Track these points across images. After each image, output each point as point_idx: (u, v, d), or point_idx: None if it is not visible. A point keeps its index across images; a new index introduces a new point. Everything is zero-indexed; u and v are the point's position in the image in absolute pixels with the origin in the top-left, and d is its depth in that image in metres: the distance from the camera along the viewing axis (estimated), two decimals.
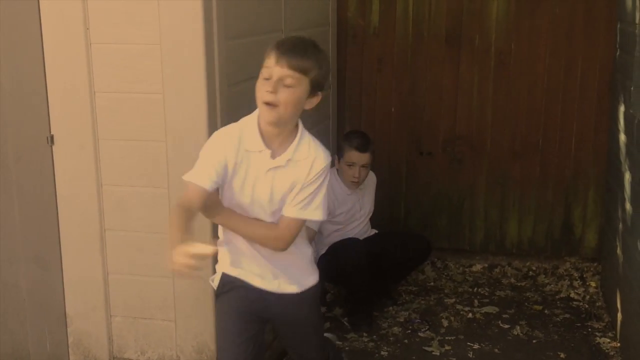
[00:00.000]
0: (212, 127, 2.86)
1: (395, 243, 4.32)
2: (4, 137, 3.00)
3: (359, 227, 4.30)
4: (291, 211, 2.45)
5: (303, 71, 2.38)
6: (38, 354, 3.18)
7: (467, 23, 4.68)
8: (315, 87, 2.44)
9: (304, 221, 2.50)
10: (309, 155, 2.49)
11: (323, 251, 4.20)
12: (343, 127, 4.81)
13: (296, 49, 2.39)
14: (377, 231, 4.45)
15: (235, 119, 3.02)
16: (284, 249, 2.49)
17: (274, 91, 2.36)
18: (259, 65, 3.25)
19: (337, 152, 4.19)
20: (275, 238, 2.48)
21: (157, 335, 3.06)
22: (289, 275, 2.60)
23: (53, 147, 2.96)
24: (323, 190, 2.50)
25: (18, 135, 2.99)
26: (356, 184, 4.17)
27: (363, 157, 4.13)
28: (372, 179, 4.40)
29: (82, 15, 2.82)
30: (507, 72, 4.71)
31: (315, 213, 2.48)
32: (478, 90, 4.76)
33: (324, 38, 4.37)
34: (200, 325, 3.01)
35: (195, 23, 2.77)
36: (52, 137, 2.94)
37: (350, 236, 4.21)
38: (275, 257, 2.54)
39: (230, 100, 2.98)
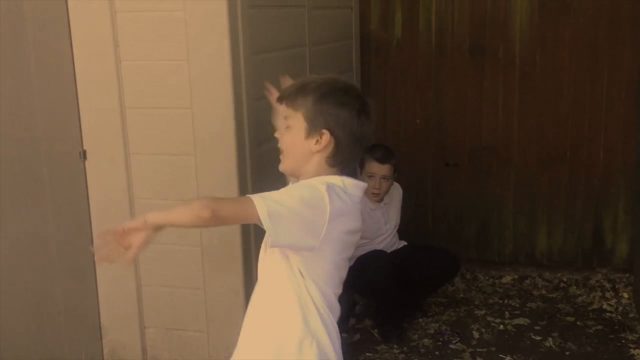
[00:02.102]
0: (240, 141, 2.91)
1: (422, 259, 4.28)
2: (38, 153, 3.05)
3: (385, 240, 4.29)
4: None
5: (293, 106, 2.09)
6: None
7: (491, 34, 4.71)
8: (311, 124, 2.06)
9: (249, 202, 1.95)
10: None
11: (350, 264, 4.20)
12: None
13: (293, 87, 2.14)
14: (405, 243, 4.44)
15: (262, 133, 3.09)
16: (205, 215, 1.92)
17: (280, 135, 2.17)
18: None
19: (359, 165, 4.18)
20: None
21: (190, 346, 3.08)
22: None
23: (85, 162, 3.02)
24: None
25: (52, 150, 3.04)
26: (377, 196, 4.16)
27: (383, 169, 4.13)
28: (397, 191, 4.40)
29: (112, 33, 2.88)
30: (532, 82, 4.71)
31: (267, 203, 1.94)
32: (503, 101, 4.76)
33: (347, 51, 4.42)
34: (232, 336, 3.01)
35: (222, 39, 2.82)
36: (84, 152, 3.01)
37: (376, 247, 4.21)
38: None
39: (257, 114, 3.02)
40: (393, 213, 4.35)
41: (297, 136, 2.08)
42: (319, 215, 1.98)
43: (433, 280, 4.37)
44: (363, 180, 4.06)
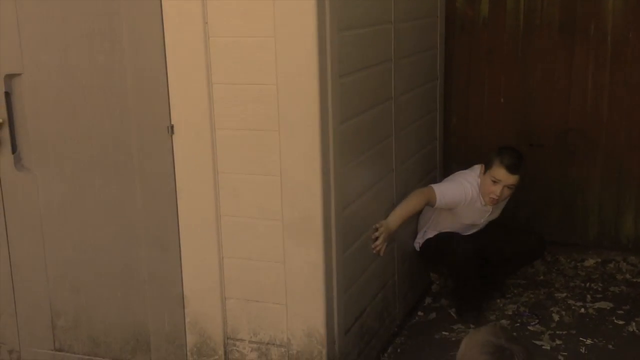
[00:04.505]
0: (324, 118, 2.92)
1: (508, 239, 4.22)
2: (128, 127, 3.15)
3: (476, 228, 4.23)
4: None
5: None
6: (157, 333, 3.31)
7: (582, 12, 4.58)
8: None
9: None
10: None
11: (430, 234, 4.18)
12: (450, 119, 4.81)
13: None
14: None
15: (347, 110, 3.11)
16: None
17: None
18: (369, 56, 3.32)
19: (485, 162, 4.04)
20: None
21: (269, 318, 3.14)
22: None
23: (173, 137, 3.08)
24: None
25: (141, 125, 3.12)
26: (494, 201, 4.02)
27: (510, 178, 3.95)
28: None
29: (202, 10, 2.93)
30: (625, 62, 4.58)
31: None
32: (593, 81, 4.64)
33: (432, 29, 4.37)
34: (310, 310, 3.07)
35: (308, 15, 2.82)
36: (172, 127, 3.06)
37: (462, 230, 4.17)
38: None
39: (341, 91, 3.03)
40: (499, 208, 4.23)
41: None
42: None
43: (516, 261, 4.30)
44: (483, 180, 4.00)
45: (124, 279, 3.33)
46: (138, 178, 3.19)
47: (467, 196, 4.00)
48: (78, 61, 3.15)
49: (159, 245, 3.21)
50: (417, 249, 4.22)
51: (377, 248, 3.57)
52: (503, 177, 3.94)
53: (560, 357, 3.69)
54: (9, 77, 3.24)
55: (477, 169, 4.09)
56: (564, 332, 3.94)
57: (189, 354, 3.27)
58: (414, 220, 4.13)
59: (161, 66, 3.02)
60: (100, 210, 3.28)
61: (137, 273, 3.29)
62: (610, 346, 3.78)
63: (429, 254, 4.20)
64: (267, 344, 3.17)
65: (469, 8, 4.77)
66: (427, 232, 4.19)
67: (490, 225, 4.29)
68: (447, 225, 4.14)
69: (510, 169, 3.93)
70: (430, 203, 3.91)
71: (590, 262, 4.79)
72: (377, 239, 3.57)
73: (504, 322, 4.05)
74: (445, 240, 4.10)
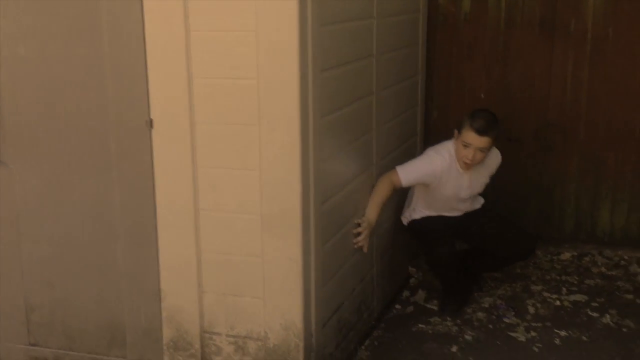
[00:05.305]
0: (304, 112, 2.93)
1: (496, 240, 4.12)
2: (106, 121, 3.13)
3: (461, 202, 4.15)
4: None
5: None
6: (133, 327, 3.31)
7: (562, 9, 4.62)
8: None
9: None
10: None
11: (417, 214, 4.16)
12: (431, 114, 4.82)
13: None
14: (483, 201, 4.28)
15: (327, 105, 3.12)
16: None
17: None
18: (351, 51, 3.33)
19: (458, 126, 3.96)
20: None
21: (247, 312, 3.15)
22: None
23: (152, 131, 3.06)
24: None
25: (120, 119, 3.10)
26: (468, 166, 3.94)
27: (481, 141, 3.85)
28: (494, 159, 4.15)
29: (183, 4, 2.91)
30: (604, 58, 4.62)
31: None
32: (572, 77, 4.68)
33: (414, 24, 4.38)
34: (288, 304, 3.09)
35: (290, 10, 2.82)
36: (151, 121, 3.05)
37: (448, 206, 4.12)
38: None
39: (322, 86, 3.04)
40: (480, 180, 4.13)
41: None
42: None
43: (503, 261, 4.28)
44: (457, 146, 3.92)
45: (100, 274, 3.32)
46: (116, 173, 3.17)
47: (437, 168, 3.94)
48: (57, 55, 3.13)
49: (136, 240, 3.21)
50: (405, 223, 4.22)
51: (360, 244, 3.59)
52: (473, 140, 3.85)
53: (534, 348, 3.74)
54: None
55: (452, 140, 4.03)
56: (539, 324, 3.99)
57: (165, 348, 3.28)
58: (390, 209, 4.11)
59: (141, 60, 3.00)
60: (77, 205, 3.27)
61: (113, 268, 3.28)
62: (584, 338, 3.84)
63: (413, 236, 4.21)
64: (244, 337, 3.18)
65: (451, 4, 4.78)
66: (415, 209, 4.16)
67: (480, 219, 4.22)
68: (430, 200, 4.10)
69: (480, 132, 3.83)
70: (395, 186, 3.87)
71: (566, 255, 4.85)
72: (359, 234, 3.58)
73: (480, 314, 4.09)
74: (426, 233, 4.08)
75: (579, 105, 4.72)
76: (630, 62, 4.58)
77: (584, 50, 4.63)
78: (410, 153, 4.41)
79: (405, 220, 4.21)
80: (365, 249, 3.64)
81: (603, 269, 4.68)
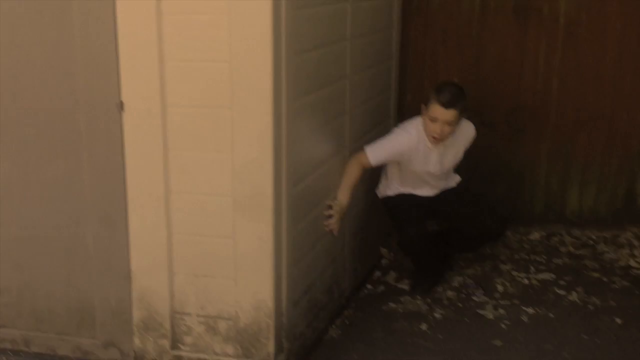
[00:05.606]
0: (277, 95, 2.93)
1: (468, 221, 4.11)
2: (76, 103, 3.11)
3: (433, 178, 4.13)
4: None
5: None
6: (103, 308, 3.31)
7: None
8: None
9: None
10: None
11: (391, 190, 4.17)
12: (404, 98, 4.83)
13: None
14: (459, 179, 4.27)
15: (300, 87, 3.12)
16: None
17: None
18: (324, 34, 3.33)
19: (424, 102, 3.93)
20: None
21: (217, 292, 3.16)
22: None
23: (123, 114, 3.06)
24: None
25: (89, 101, 3.09)
26: (437, 140, 3.91)
27: (447, 114, 3.81)
28: (466, 133, 4.12)
29: None
30: (576, 42, 4.66)
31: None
32: (545, 61, 4.72)
33: (389, 9, 4.39)
34: (259, 284, 3.10)
35: None
36: (122, 103, 3.04)
37: (421, 181, 4.12)
38: None
39: (295, 68, 3.05)
40: (452, 154, 4.10)
41: None
42: None
43: (474, 242, 4.32)
44: (425, 121, 3.89)
45: (70, 255, 3.30)
46: (86, 155, 3.16)
47: (404, 145, 3.95)
48: (26, 37, 3.10)
49: (106, 222, 3.20)
50: (379, 196, 4.24)
51: (331, 227, 3.62)
52: (439, 114, 3.82)
53: (502, 325, 3.80)
54: None
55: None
56: (507, 303, 4.05)
57: (135, 328, 3.28)
58: (362, 191, 4.13)
59: (112, 42, 2.99)
60: (46, 187, 3.25)
61: (82, 249, 3.27)
62: (551, 314, 3.90)
63: (386, 213, 4.24)
64: (215, 317, 3.20)
65: None
66: (389, 185, 4.17)
67: (453, 197, 4.22)
68: (403, 176, 4.11)
69: (446, 105, 3.79)
70: (365, 167, 3.88)
71: (535, 235, 4.92)
72: (330, 217, 3.61)
73: (450, 293, 4.15)
74: (398, 213, 4.11)
75: (551, 88, 4.76)
76: (602, 46, 4.63)
77: (556, 35, 4.66)
78: (383, 136, 4.43)
79: (379, 194, 4.25)
80: (336, 232, 3.67)
81: (571, 249, 4.75)
